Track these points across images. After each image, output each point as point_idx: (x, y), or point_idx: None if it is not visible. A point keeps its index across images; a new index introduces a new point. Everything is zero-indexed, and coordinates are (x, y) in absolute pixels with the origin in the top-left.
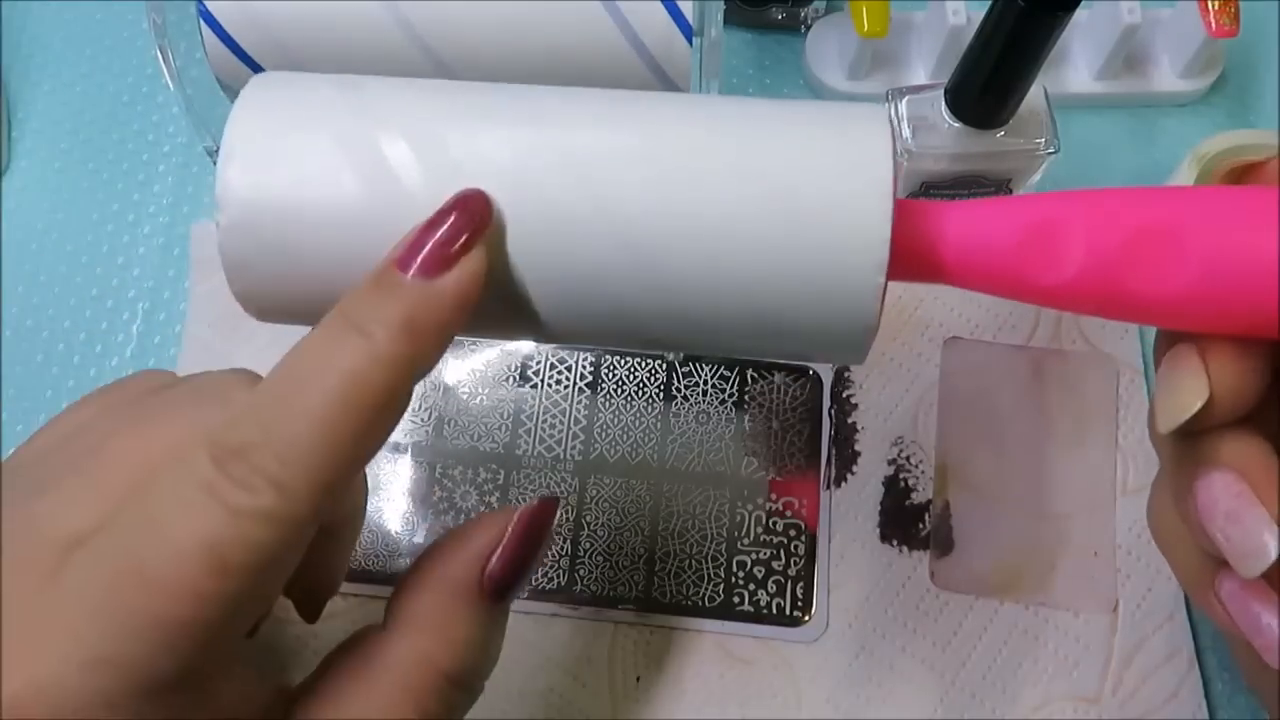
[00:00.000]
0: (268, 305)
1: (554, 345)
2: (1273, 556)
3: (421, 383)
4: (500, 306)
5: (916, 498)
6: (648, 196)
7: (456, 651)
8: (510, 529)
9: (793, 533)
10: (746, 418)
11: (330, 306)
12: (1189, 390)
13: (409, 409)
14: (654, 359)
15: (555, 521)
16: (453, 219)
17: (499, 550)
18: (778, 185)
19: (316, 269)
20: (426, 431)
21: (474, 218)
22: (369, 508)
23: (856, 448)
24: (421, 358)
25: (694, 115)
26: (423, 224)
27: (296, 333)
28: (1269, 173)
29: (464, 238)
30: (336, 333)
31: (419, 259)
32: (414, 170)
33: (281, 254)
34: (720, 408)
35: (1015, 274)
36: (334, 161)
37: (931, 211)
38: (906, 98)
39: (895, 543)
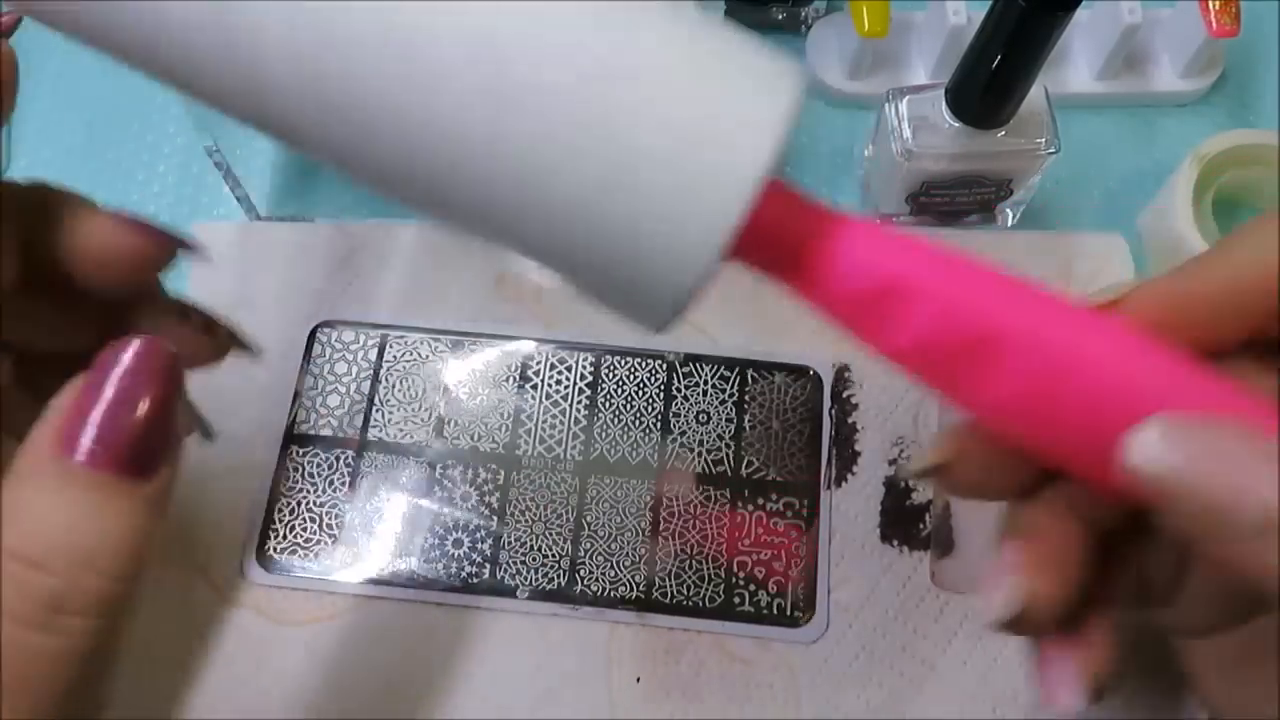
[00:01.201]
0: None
1: (552, 345)
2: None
3: (421, 382)
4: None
5: (916, 498)
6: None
7: (16, 527)
8: (81, 379)
9: (793, 533)
10: (746, 418)
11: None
12: (1008, 602)
13: (408, 409)
14: (654, 359)
15: (152, 357)
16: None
17: (72, 404)
18: (651, 87)
19: None
20: (426, 431)
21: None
22: (368, 508)
23: (856, 448)
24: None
25: None
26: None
27: (295, 327)
28: (1136, 305)
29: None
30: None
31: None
32: None
33: None
34: (720, 408)
35: (855, 317)
36: None
37: (812, 208)
38: (906, 98)
39: (895, 543)
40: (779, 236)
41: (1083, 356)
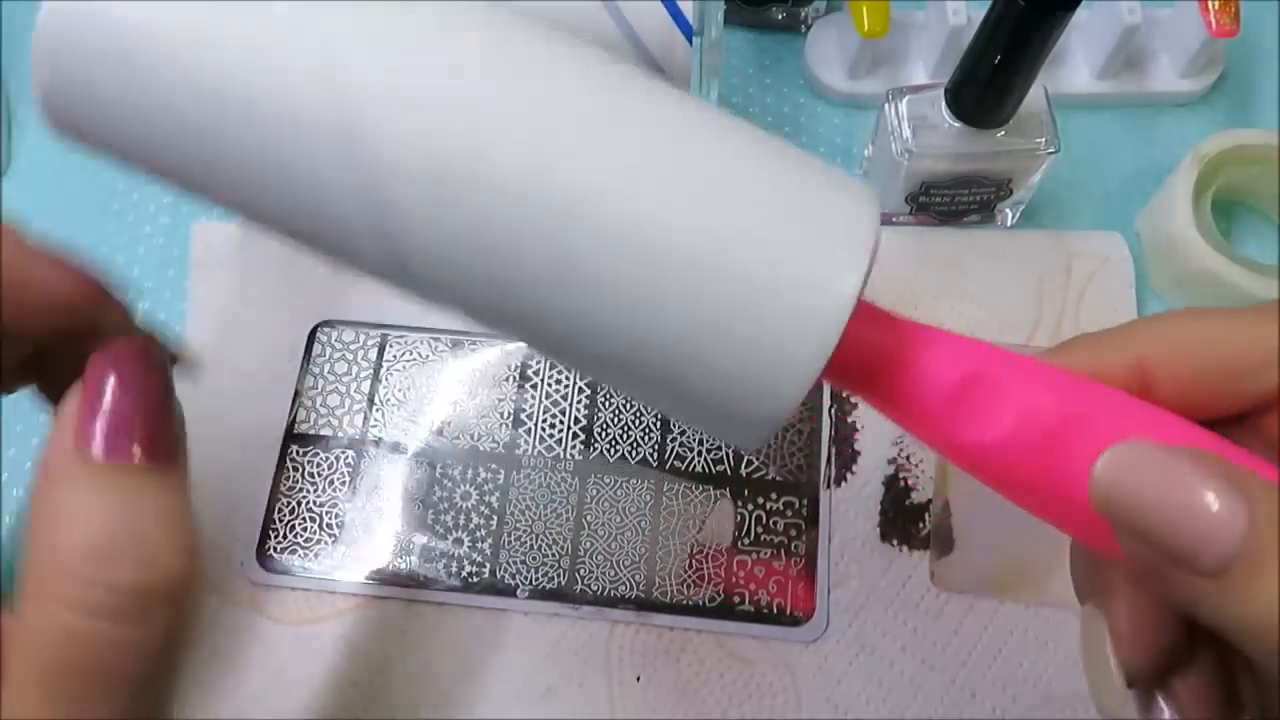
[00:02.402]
0: (78, 119)
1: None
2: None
3: (422, 382)
4: (357, 218)
5: (916, 497)
6: (592, 162)
7: (72, 520)
8: (89, 371)
9: (793, 533)
10: None
11: (150, 142)
12: (1113, 697)
13: (408, 409)
14: None
15: (145, 354)
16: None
17: (83, 397)
18: (745, 224)
19: (145, 97)
20: (426, 431)
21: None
22: (368, 508)
23: (856, 447)
24: None
25: (683, 107)
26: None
27: (295, 327)
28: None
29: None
30: None
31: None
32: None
33: (111, 64)
34: None
35: (942, 421)
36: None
37: (895, 322)
38: (906, 98)
39: (895, 543)
40: (866, 356)
41: (1157, 438)
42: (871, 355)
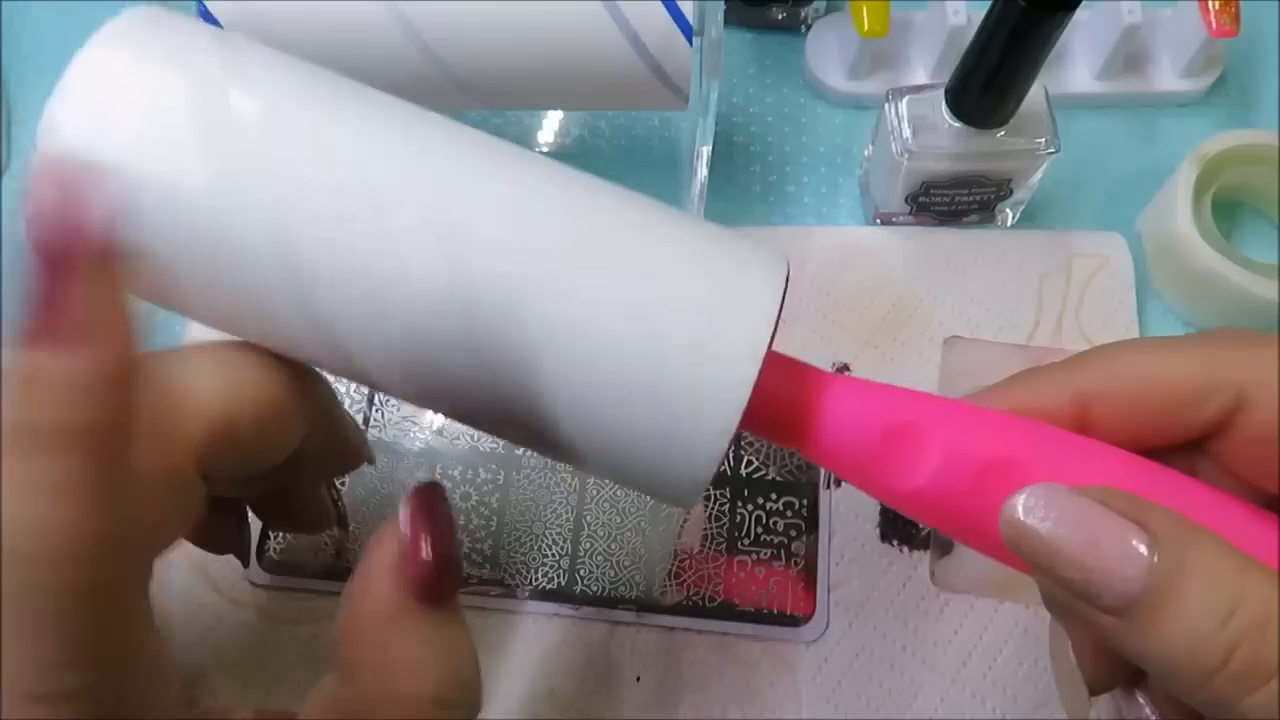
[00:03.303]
0: None
1: None
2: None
3: None
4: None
5: None
6: (505, 258)
7: (417, 671)
8: (407, 526)
9: (793, 533)
10: None
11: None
12: (1078, 706)
13: (408, 409)
14: None
15: (446, 499)
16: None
17: (407, 550)
18: (649, 298)
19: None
20: (426, 431)
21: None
22: (368, 508)
23: None
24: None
25: (581, 188)
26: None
27: None
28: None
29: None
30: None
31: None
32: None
33: None
34: None
35: (871, 469)
36: (183, 136)
37: (807, 378)
38: (906, 98)
39: (895, 543)
40: (786, 416)
41: (1090, 474)
42: (791, 414)
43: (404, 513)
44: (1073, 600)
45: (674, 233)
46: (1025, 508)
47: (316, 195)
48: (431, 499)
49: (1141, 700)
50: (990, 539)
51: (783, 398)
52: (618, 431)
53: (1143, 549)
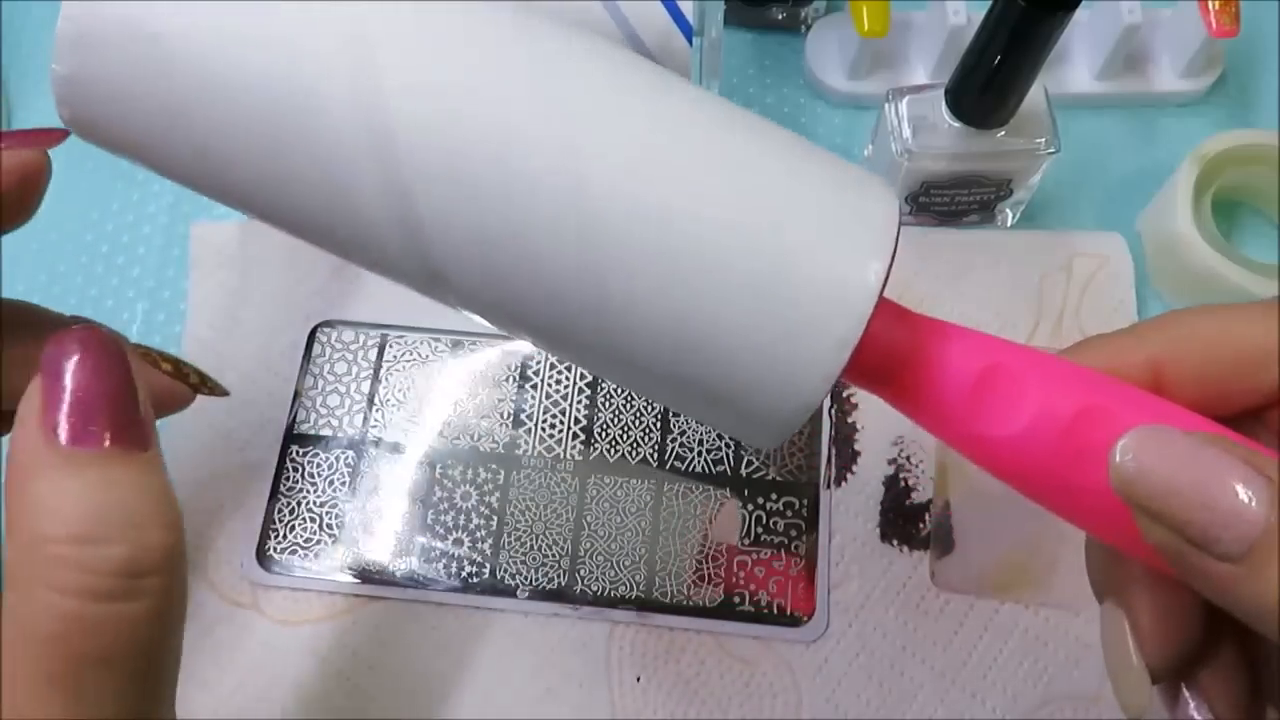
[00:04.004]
0: (95, 112)
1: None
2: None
3: (422, 382)
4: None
5: (916, 497)
6: (627, 166)
7: (55, 512)
8: (39, 374)
9: (793, 533)
10: None
11: (167, 139)
12: (1138, 696)
13: (408, 409)
14: None
15: (95, 340)
16: None
17: (44, 398)
18: (772, 218)
19: (168, 95)
20: (426, 431)
21: None
22: (368, 508)
23: (856, 447)
24: None
25: (709, 105)
26: None
27: (295, 327)
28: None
29: None
30: None
31: None
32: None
33: (132, 58)
34: None
35: (963, 414)
36: None
37: (904, 312)
38: (906, 98)
39: (895, 543)
40: (884, 352)
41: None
42: (889, 351)
43: (43, 359)
44: (1183, 549)
45: (798, 146)
46: (1140, 448)
47: (421, 57)
48: (70, 343)
49: (1189, 699)
50: (1080, 491)
51: (879, 330)
52: (724, 345)
53: (1264, 491)
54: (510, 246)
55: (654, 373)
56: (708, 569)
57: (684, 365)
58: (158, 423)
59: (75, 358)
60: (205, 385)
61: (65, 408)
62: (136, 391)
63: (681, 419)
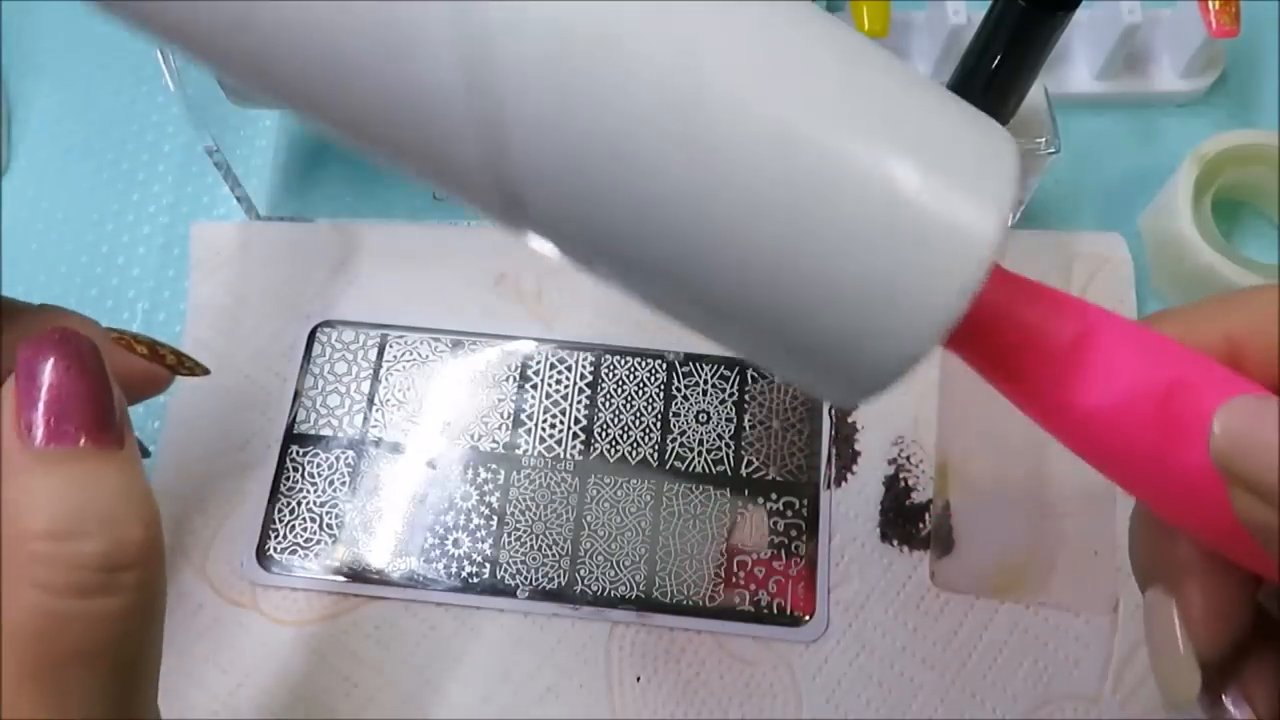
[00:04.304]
0: None
1: (552, 345)
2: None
3: (422, 382)
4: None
5: (917, 497)
6: (750, 76)
7: (29, 508)
8: (14, 376)
9: (793, 533)
10: (746, 418)
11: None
12: (1185, 684)
13: (408, 409)
14: (654, 359)
15: (69, 340)
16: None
17: (18, 399)
18: (902, 152)
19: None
20: (426, 431)
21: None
22: (368, 508)
23: (856, 447)
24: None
25: (837, 28)
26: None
27: (295, 327)
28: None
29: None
30: None
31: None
32: None
33: None
34: (720, 407)
35: (1062, 379)
36: None
37: (1013, 279)
38: None
39: (895, 543)
40: (985, 308)
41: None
42: (990, 307)
43: (17, 361)
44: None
45: (927, 83)
46: (1243, 419)
47: None
48: (43, 345)
49: (1229, 704)
50: (1167, 467)
51: (989, 293)
52: (834, 284)
53: None
54: (607, 158)
55: (748, 313)
56: (707, 569)
57: (784, 305)
58: (157, 424)
59: (50, 359)
60: (183, 365)
61: (41, 408)
62: (111, 392)
63: (681, 419)
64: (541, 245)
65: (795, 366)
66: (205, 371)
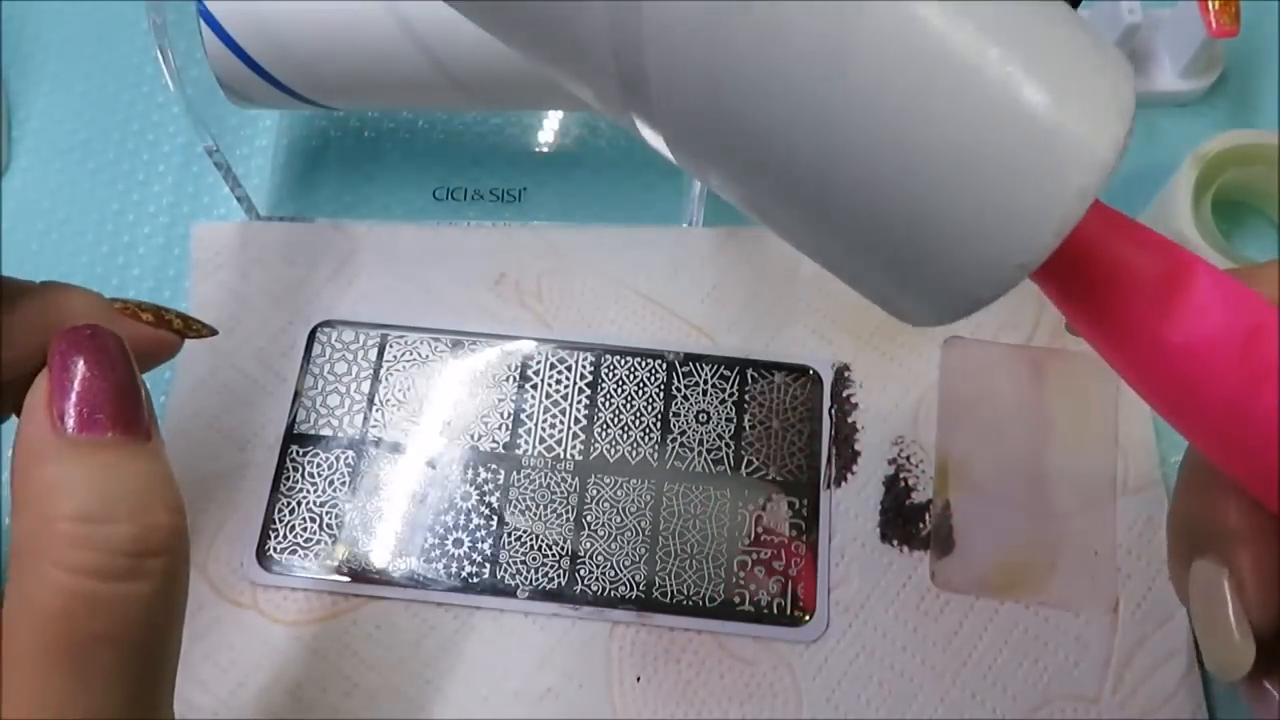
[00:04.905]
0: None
1: (552, 345)
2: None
3: (422, 382)
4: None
5: (917, 497)
6: None
7: (59, 492)
8: (49, 365)
9: (793, 533)
10: (746, 417)
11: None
12: (1238, 657)
13: (408, 409)
14: (654, 359)
15: (98, 335)
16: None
17: (51, 387)
18: (1030, 49)
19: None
20: (426, 431)
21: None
22: (368, 508)
23: (857, 447)
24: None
25: None
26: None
27: (295, 327)
28: None
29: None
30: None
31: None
32: None
33: None
34: (720, 407)
35: (1154, 313)
36: None
37: (1104, 208)
38: None
39: (895, 543)
40: (1087, 231)
41: None
42: (1086, 238)
43: (50, 353)
44: None
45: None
46: None
47: None
48: (75, 339)
49: (1275, 690)
50: (1246, 413)
51: (1090, 220)
52: (954, 178)
53: None
54: (738, 34)
55: (865, 211)
56: (707, 569)
57: (905, 203)
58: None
59: (82, 351)
60: (190, 328)
61: (73, 397)
62: (139, 387)
63: (681, 419)
64: (650, 131)
65: (895, 271)
66: (213, 332)
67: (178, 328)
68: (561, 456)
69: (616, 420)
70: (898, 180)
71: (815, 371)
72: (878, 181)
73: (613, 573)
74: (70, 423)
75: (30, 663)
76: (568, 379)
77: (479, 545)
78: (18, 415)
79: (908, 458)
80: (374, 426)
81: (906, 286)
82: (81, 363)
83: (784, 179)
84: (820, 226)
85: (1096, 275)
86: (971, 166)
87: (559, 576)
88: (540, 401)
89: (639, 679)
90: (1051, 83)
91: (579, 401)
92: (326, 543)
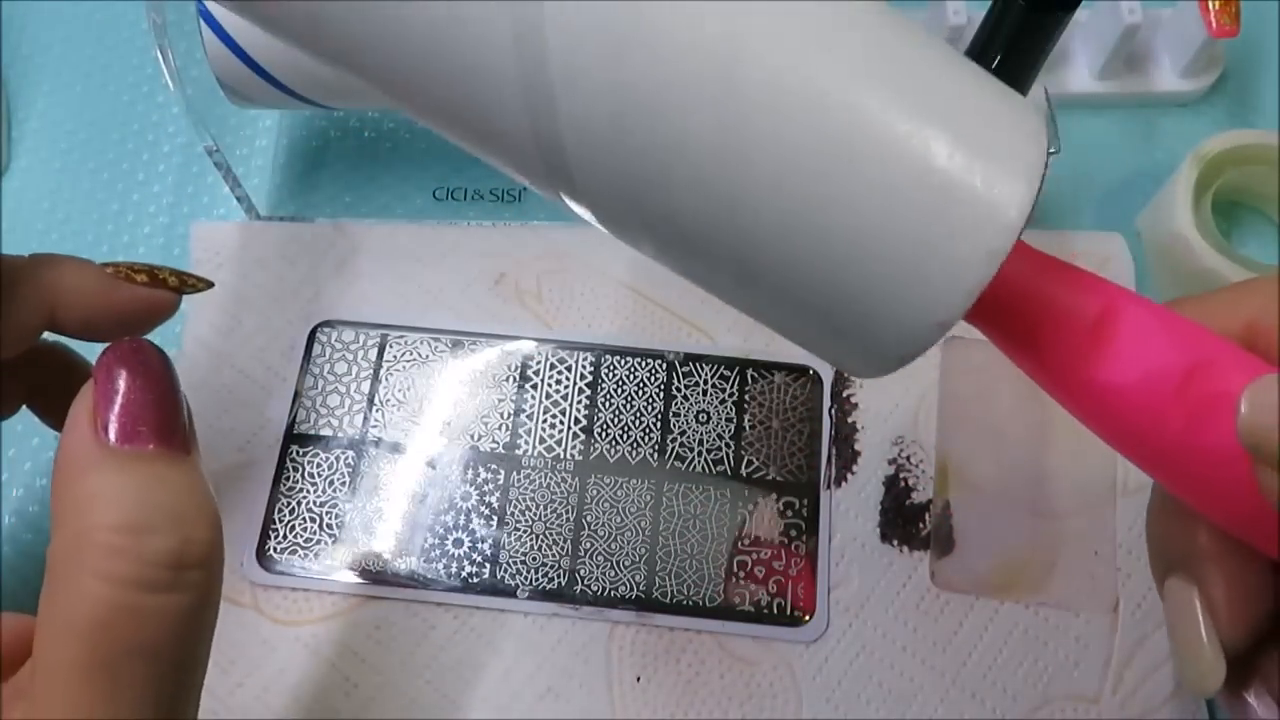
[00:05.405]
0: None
1: (552, 345)
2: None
3: (422, 382)
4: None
5: (917, 497)
6: (790, 34)
7: (103, 502)
8: (95, 376)
9: (793, 533)
10: (746, 417)
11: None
12: (1209, 673)
13: (408, 409)
14: (654, 359)
15: (144, 349)
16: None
17: (97, 398)
18: (934, 118)
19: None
20: (426, 431)
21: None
22: (368, 508)
23: (856, 447)
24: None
25: (873, 6)
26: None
27: (295, 327)
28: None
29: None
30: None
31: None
32: None
33: None
34: (720, 407)
35: (1086, 354)
36: None
37: (1034, 254)
38: None
39: (895, 543)
40: (1010, 282)
41: None
42: (1014, 280)
43: (96, 366)
44: None
45: (956, 56)
46: (1272, 397)
47: None
48: (121, 352)
49: (1252, 700)
50: (1188, 447)
51: (1013, 267)
52: (866, 249)
53: None
54: (648, 115)
55: (780, 279)
56: (707, 569)
57: (816, 271)
58: None
59: (126, 365)
60: (186, 284)
61: (116, 409)
62: (181, 402)
63: (681, 419)
64: (580, 209)
65: (823, 335)
66: (209, 284)
67: (173, 285)
68: (561, 457)
69: (616, 420)
70: (812, 257)
71: (815, 371)
72: (794, 259)
73: (613, 573)
74: (113, 433)
75: (64, 673)
76: (568, 379)
77: (479, 545)
78: (29, 410)
79: (908, 458)
80: (374, 426)
81: (839, 347)
82: (125, 375)
83: (706, 258)
84: (748, 297)
85: (1027, 319)
86: (882, 240)
87: (559, 576)
88: (540, 402)
89: (639, 679)
90: (958, 152)
91: (579, 402)
92: (326, 543)
